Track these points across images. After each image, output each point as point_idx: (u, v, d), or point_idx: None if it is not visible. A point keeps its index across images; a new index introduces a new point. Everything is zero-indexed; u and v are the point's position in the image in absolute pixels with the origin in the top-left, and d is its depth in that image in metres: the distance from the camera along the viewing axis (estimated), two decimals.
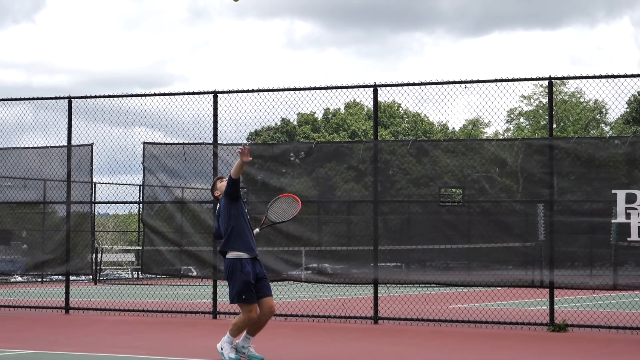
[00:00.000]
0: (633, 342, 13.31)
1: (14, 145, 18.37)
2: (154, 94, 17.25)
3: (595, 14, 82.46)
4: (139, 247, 27.70)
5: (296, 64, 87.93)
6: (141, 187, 18.23)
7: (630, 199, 14.03)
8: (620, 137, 17.39)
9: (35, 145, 17.96)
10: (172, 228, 17.09)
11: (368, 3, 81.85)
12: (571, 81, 42.96)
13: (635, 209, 13.97)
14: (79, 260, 17.80)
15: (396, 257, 16.26)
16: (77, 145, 17.57)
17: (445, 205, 15.35)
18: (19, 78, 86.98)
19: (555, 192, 14.69)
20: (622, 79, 14.53)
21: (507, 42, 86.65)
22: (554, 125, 24.88)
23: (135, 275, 34.72)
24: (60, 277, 22.14)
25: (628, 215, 14.00)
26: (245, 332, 10.53)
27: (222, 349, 10.48)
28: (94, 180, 18.77)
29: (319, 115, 63.29)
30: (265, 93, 16.43)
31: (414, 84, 15.64)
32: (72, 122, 17.61)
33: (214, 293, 16.62)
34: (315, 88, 16.23)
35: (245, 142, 18.15)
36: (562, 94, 51.08)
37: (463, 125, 55.68)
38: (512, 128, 54.32)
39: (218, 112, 16.64)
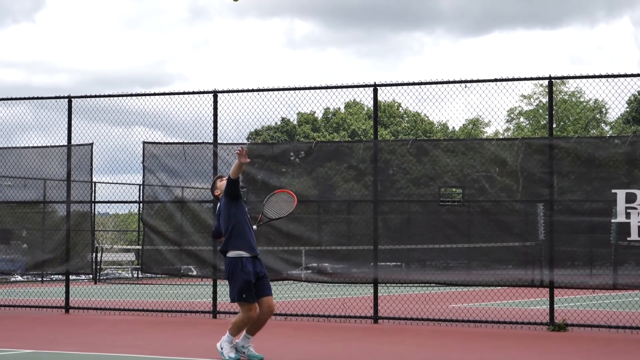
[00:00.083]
0: (633, 342, 13.30)
1: (14, 145, 18.37)
2: (154, 94, 17.25)
3: (596, 13, 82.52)
4: (139, 247, 27.71)
5: (296, 63, 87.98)
6: (141, 187, 18.21)
7: (630, 198, 14.03)
8: (620, 137, 17.41)
9: (35, 145, 17.95)
10: (172, 227, 17.09)
11: (368, 3, 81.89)
12: (571, 81, 42.90)
13: (635, 208, 13.97)
14: (79, 259, 17.80)
15: (396, 257, 16.26)
16: (77, 145, 17.57)
17: (445, 205, 15.34)
18: (19, 77, 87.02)
19: (555, 192, 14.69)
20: (622, 79, 14.52)
21: (507, 41, 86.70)
22: (554, 125, 24.87)
23: (135, 275, 34.70)
24: (60, 276, 22.11)
25: (628, 215, 14.00)
26: (244, 331, 10.53)
27: (221, 348, 10.49)
28: (94, 179, 18.79)
29: (319, 114, 63.28)
30: (265, 92, 16.42)
31: (414, 84, 15.62)
32: (72, 122, 17.62)
33: (214, 292, 16.62)
34: (315, 87, 16.22)
35: (245, 141, 18.16)
36: (562, 94, 51.08)
37: (463, 124, 55.67)
38: (512, 128, 54.33)
39: (218, 111, 16.64)
